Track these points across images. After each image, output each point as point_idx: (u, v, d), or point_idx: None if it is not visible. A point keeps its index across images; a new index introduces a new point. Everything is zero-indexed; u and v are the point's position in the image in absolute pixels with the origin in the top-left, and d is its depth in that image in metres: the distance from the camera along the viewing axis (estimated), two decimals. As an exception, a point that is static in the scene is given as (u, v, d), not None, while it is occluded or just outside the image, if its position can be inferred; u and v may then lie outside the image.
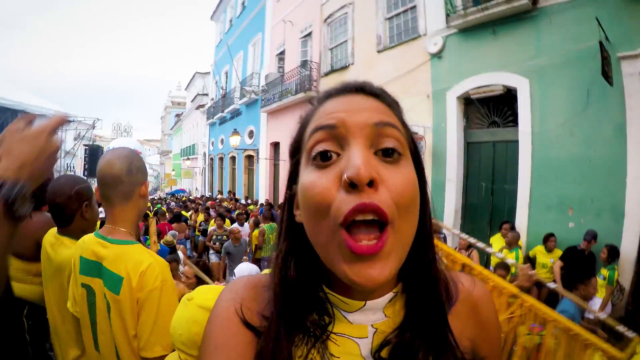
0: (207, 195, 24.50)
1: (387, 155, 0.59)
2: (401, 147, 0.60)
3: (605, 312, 4.70)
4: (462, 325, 0.69)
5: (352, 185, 0.53)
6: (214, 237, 9.09)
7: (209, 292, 1.27)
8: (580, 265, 5.89)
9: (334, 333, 0.64)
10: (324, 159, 0.59)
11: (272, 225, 9.02)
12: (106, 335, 1.57)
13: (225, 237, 8.75)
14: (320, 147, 0.59)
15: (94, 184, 1.95)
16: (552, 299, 6.08)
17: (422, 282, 0.66)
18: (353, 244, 0.53)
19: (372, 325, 0.65)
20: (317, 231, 0.59)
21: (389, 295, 0.66)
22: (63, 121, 0.91)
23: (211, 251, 9.17)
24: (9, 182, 0.81)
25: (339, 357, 0.63)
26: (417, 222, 0.61)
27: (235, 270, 4.06)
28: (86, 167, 16.95)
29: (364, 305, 0.64)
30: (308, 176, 0.60)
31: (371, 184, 0.54)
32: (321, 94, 0.70)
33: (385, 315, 0.66)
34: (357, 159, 0.54)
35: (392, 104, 0.67)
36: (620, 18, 6.07)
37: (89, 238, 1.66)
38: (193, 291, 1.31)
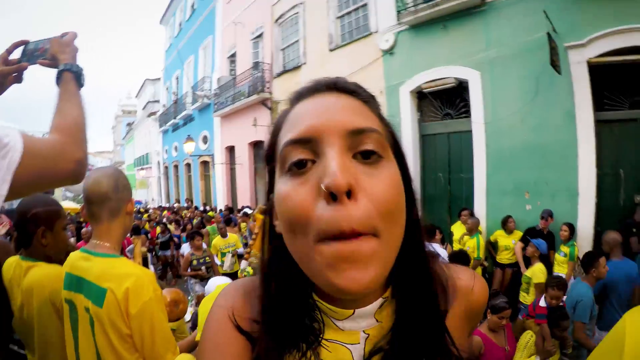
0: (164, 205, 24.00)
1: (367, 157, 0.55)
2: (381, 148, 0.56)
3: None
4: (460, 322, 0.69)
5: (332, 196, 0.49)
6: (194, 261, 6.82)
7: None
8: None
9: (326, 339, 0.63)
10: (299, 167, 0.55)
11: (213, 227, 9.55)
12: (88, 353, 1.54)
13: (207, 258, 6.93)
14: (294, 157, 0.55)
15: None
16: (516, 280, 6.27)
17: (413, 284, 0.63)
18: (334, 247, 0.49)
19: (363, 331, 0.64)
20: (296, 245, 0.55)
21: (379, 301, 0.63)
22: (76, 35, 1.40)
23: (192, 280, 6.87)
24: (75, 65, 1.31)
25: None
26: (404, 227, 0.57)
27: (206, 288, 3.90)
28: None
29: (353, 313, 0.62)
30: (283, 186, 0.56)
31: (349, 194, 0.49)
32: (292, 94, 0.67)
33: (377, 321, 0.64)
34: (333, 165, 0.50)
35: (368, 100, 0.64)
36: (567, 10, 6.32)
37: (74, 254, 1.68)
38: None
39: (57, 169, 1.03)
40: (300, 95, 0.64)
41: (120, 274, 1.51)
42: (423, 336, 0.61)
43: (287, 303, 0.63)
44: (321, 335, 0.63)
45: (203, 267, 6.80)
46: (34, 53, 1.38)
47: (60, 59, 1.33)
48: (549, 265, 5.79)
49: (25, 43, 1.40)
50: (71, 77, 1.29)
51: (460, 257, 4.70)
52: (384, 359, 0.62)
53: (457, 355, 0.63)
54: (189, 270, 6.83)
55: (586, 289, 3.92)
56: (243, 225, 10.27)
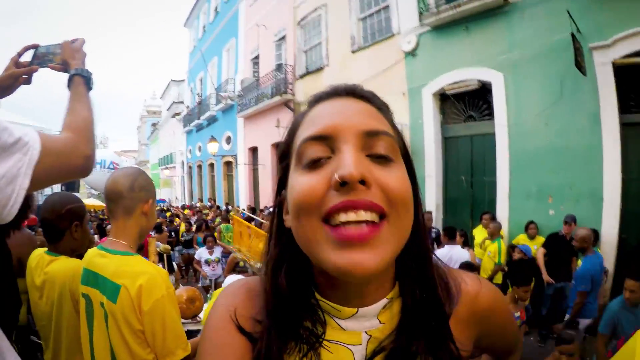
0: (187, 204, 24.24)
1: (378, 159, 0.57)
2: (392, 151, 0.59)
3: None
4: (463, 326, 0.69)
5: (342, 184, 0.52)
6: (241, 263, 6.83)
7: None
8: (563, 250, 5.97)
9: (327, 340, 0.63)
10: (314, 162, 0.58)
11: (227, 226, 9.71)
12: (102, 346, 1.60)
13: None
14: (311, 152, 0.58)
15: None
16: (537, 287, 6.15)
17: (418, 283, 0.64)
18: (340, 231, 0.52)
19: (366, 332, 0.63)
20: (302, 229, 0.57)
21: (383, 301, 0.63)
22: (84, 41, 1.50)
23: None
24: (85, 70, 1.41)
25: None
26: (412, 219, 0.59)
27: (223, 284, 3.97)
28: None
29: (357, 312, 0.62)
30: (297, 178, 0.59)
31: (363, 182, 0.52)
32: (311, 97, 0.70)
33: (380, 322, 0.64)
34: (348, 159, 0.53)
35: (382, 108, 0.66)
36: (591, 10, 6.20)
37: (92, 250, 1.75)
38: None
39: (69, 164, 1.13)
40: (319, 98, 0.67)
41: (134, 271, 1.56)
42: (428, 335, 0.62)
43: (289, 302, 0.63)
44: (322, 337, 0.63)
45: (250, 271, 6.52)
46: (45, 57, 1.47)
47: (71, 64, 1.43)
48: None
49: (35, 47, 1.48)
50: (81, 81, 1.39)
51: (525, 267, 4.14)
52: (386, 358, 0.62)
53: (457, 355, 0.63)
54: (234, 272, 6.34)
55: (616, 301, 3.77)
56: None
